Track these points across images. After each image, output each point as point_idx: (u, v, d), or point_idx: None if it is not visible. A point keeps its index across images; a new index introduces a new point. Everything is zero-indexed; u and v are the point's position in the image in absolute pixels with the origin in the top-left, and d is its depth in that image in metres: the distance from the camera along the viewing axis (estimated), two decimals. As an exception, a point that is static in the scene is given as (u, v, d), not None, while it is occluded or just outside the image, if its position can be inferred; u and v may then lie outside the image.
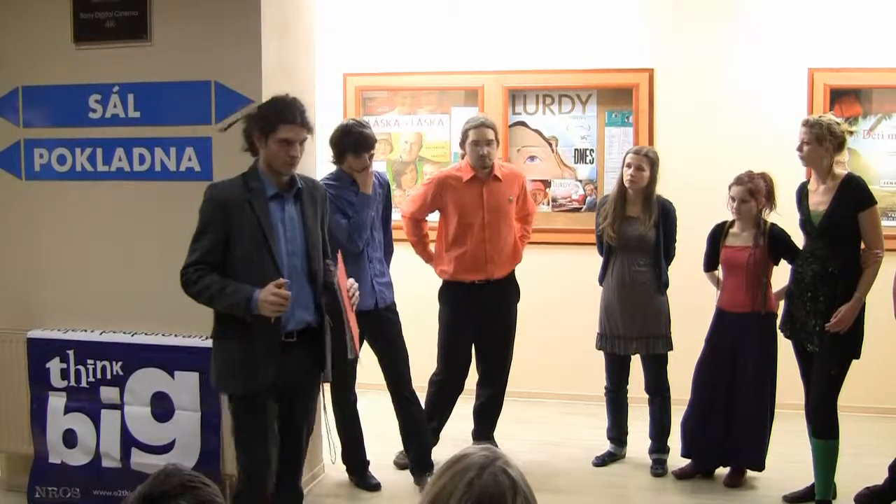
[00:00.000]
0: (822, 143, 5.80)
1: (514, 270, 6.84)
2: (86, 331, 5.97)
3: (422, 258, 6.93)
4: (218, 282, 4.62)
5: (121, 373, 5.79)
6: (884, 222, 6.00)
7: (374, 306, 6.21)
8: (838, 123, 5.90)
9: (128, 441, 5.78)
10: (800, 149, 5.88)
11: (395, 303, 6.44)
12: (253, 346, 4.67)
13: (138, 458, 5.73)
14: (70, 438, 5.88)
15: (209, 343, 5.07)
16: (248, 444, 4.82)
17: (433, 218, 6.88)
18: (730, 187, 6.33)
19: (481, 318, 6.73)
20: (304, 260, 4.81)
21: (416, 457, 6.45)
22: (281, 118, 4.68)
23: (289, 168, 4.75)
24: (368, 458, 6.58)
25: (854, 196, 5.79)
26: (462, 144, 6.73)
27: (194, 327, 5.63)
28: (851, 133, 6.10)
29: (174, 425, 5.71)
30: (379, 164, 8.29)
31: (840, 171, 5.89)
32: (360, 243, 6.13)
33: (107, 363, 5.82)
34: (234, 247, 4.67)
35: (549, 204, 8.41)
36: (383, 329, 6.33)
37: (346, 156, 6.13)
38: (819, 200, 5.90)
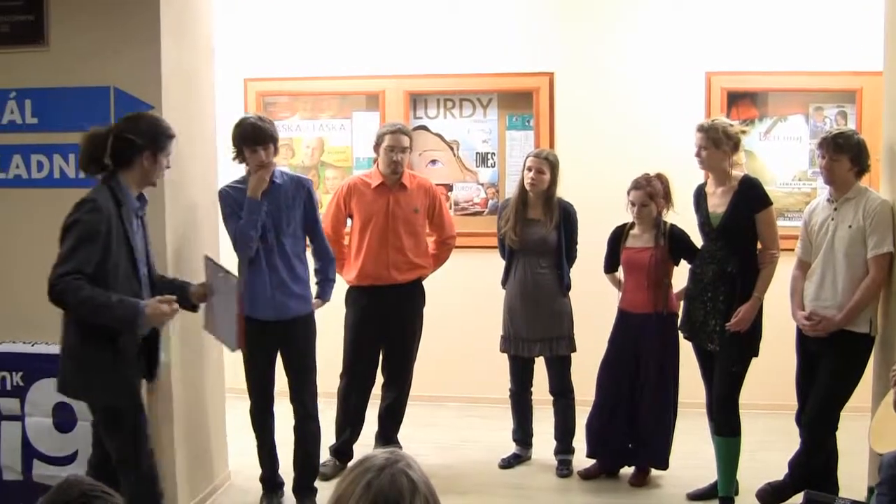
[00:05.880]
0: (720, 146, 5.88)
1: (419, 276, 6.84)
2: (-16, 341, 5.84)
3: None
4: (103, 294, 4.54)
5: (21, 383, 5.66)
6: (780, 223, 6.13)
7: (276, 318, 5.94)
8: (731, 125, 6.01)
9: (29, 453, 5.66)
10: (698, 154, 5.95)
11: (309, 314, 6.12)
12: (123, 356, 4.76)
13: (40, 470, 5.63)
14: (-31, 452, 5.75)
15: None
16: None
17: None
18: (629, 192, 6.40)
19: (385, 321, 6.72)
20: (146, 268, 4.97)
21: (302, 476, 6.15)
22: None
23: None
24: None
25: (751, 198, 5.90)
26: (376, 148, 6.70)
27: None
28: (744, 133, 6.19)
29: (77, 436, 5.59)
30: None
31: (737, 172, 5.99)
32: (247, 251, 5.87)
33: (6, 374, 5.68)
34: (110, 258, 4.66)
35: (451, 208, 8.40)
36: (289, 342, 6.05)
37: (243, 152, 5.92)
38: (717, 202, 5.99)
